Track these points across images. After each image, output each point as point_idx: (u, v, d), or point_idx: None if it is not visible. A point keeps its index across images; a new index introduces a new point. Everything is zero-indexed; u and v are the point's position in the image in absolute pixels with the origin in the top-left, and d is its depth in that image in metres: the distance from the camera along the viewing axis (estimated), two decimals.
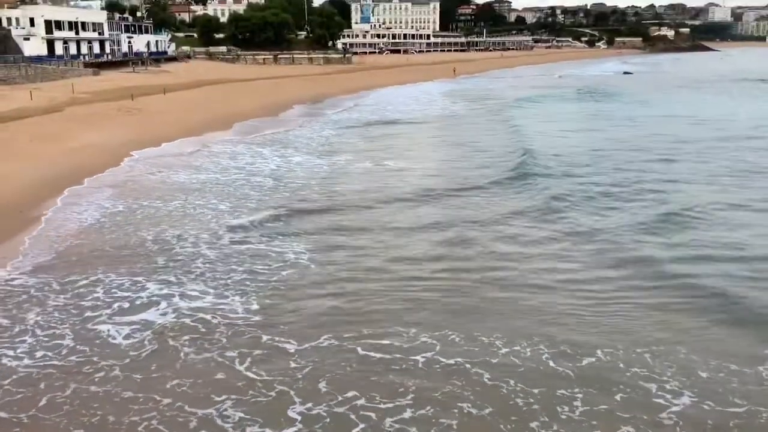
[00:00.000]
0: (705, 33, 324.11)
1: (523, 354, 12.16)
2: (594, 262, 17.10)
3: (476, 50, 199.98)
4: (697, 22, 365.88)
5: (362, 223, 20.87)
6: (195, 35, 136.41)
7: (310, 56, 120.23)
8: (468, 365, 11.74)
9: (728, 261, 17.08)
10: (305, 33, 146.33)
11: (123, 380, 11.33)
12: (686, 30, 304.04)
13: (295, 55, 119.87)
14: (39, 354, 12.21)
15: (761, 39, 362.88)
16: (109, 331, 13.19)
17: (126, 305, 14.43)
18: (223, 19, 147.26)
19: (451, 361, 11.89)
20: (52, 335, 12.93)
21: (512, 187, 25.37)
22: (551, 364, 11.79)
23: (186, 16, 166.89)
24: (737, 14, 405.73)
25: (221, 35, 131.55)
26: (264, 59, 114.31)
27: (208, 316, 13.83)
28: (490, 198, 23.80)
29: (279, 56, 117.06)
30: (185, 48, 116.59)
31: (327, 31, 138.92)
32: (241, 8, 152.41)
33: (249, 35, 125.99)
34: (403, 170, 28.91)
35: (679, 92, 72.31)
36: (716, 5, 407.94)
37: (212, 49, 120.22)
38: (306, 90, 68.20)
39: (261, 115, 47.33)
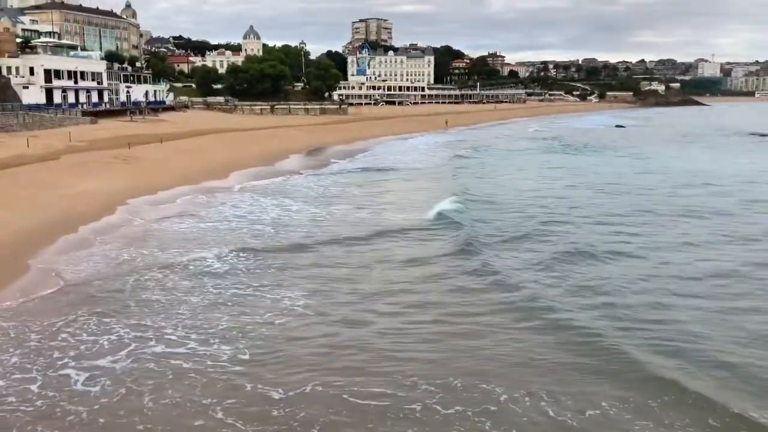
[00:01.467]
0: (695, 88, 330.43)
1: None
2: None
3: (470, 102, 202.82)
4: (687, 77, 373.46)
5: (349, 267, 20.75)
6: (193, 85, 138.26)
7: (307, 107, 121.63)
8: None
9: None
10: (302, 84, 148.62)
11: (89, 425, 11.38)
12: (677, 85, 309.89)
13: (291, 106, 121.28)
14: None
15: (750, 94, 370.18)
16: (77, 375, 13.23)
17: (98, 349, 14.51)
18: (222, 71, 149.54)
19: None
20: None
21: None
22: None
23: (185, 67, 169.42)
24: (726, 70, 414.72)
25: (219, 86, 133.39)
26: (261, 109, 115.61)
27: (186, 363, 13.60)
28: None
29: (276, 107, 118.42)
30: (183, 98, 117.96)
31: (323, 82, 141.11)
32: (239, 60, 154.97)
33: (246, 86, 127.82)
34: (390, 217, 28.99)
35: (669, 146, 73.11)
36: (706, 61, 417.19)
37: (210, 99, 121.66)
38: (302, 140, 68.71)
39: (258, 164, 47.51)
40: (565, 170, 49.35)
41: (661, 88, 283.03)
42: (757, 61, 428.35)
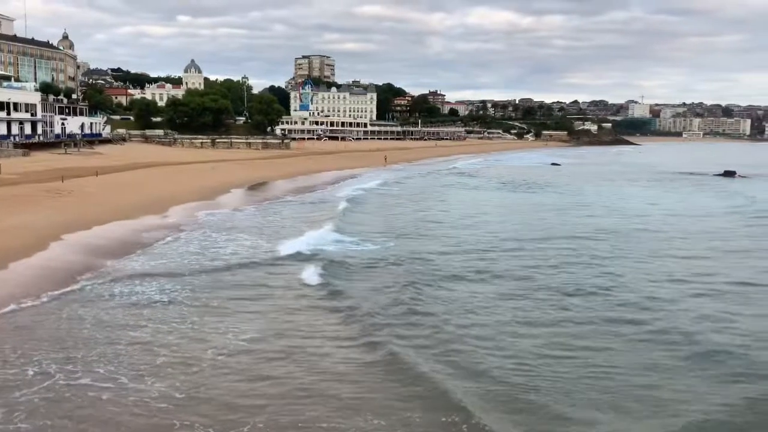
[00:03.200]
0: (626, 128, 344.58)
1: None
2: None
3: (412, 139, 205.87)
4: (618, 118, 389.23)
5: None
6: (132, 118, 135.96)
7: (249, 141, 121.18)
8: None
9: None
10: (244, 118, 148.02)
11: None
12: (608, 125, 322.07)
13: (233, 140, 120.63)
14: None
15: (677, 134, 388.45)
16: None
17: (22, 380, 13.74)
18: (161, 104, 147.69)
19: None
20: None
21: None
22: None
23: (123, 100, 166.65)
24: (655, 111, 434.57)
25: (159, 119, 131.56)
26: (201, 143, 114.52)
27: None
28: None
29: (217, 140, 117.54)
30: (121, 130, 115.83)
31: (266, 117, 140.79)
32: (180, 93, 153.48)
33: (187, 119, 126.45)
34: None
35: (599, 184, 75.93)
36: (636, 102, 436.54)
37: (148, 132, 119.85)
38: (244, 174, 68.31)
39: (198, 198, 46.94)
40: (496, 205, 50.76)
41: (593, 128, 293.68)
42: (684, 103, 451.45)
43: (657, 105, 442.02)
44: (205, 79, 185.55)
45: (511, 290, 24.08)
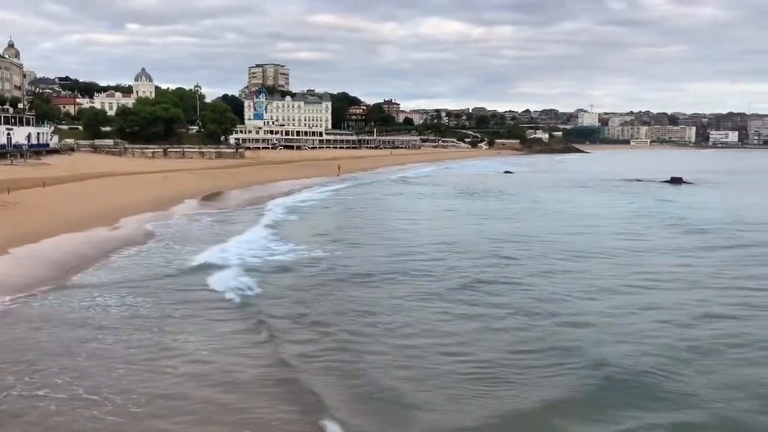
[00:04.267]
0: (576, 136, 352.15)
1: None
2: None
3: (367, 148, 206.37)
4: (568, 126, 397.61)
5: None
6: (80, 128, 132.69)
7: (202, 150, 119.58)
8: None
9: None
10: (197, 127, 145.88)
11: None
12: (559, 133, 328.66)
13: (186, 149, 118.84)
14: None
15: (625, 142, 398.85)
16: None
17: None
18: (111, 113, 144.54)
19: None
20: None
21: None
22: None
23: (71, 109, 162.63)
24: (604, 119, 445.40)
25: (108, 128, 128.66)
26: (153, 153, 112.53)
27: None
28: None
29: (169, 150, 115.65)
30: (69, 141, 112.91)
31: (219, 126, 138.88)
32: (130, 102, 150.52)
33: (138, 129, 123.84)
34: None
35: (553, 191, 77.39)
36: (585, 111, 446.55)
37: (98, 141, 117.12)
38: (198, 184, 67.43)
39: (151, 209, 46.14)
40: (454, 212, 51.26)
41: (545, 136, 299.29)
42: (631, 112, 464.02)
43: (606, 114, 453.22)
44: (156, 87, 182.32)
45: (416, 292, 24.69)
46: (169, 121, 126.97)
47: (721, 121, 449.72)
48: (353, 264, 29.57)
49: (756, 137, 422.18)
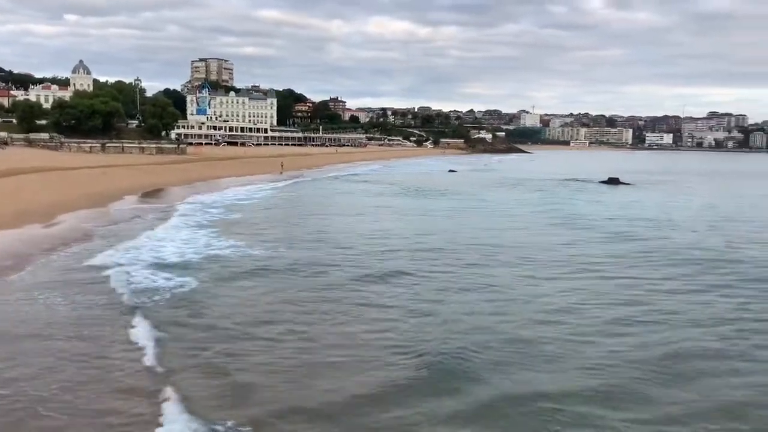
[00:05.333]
0: (518, 137, 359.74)
1: None
2: None
3: (313, 145, 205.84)
4: (511, 127, 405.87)
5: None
6: (14, 121, 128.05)
7: (142, 146, 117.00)
8: None
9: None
10: (137, 122, 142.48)
11: None
12: (502, 134, 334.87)
13: (125, 144, 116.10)
14: None
15: (566, 143, 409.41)
16: None
17: None
18: (47, 106, 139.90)
19: None
20: None
21: None
22: None
23: (5, 101, 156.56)
24: (545, 121, 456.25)
25: (44, 122, 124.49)
26: (91, 147, 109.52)
27: None
28: None
29: (107, 144, 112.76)
30: (2, 134, 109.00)
31: (160, 120, 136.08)
32: (67, 95, 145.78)
33: (75, 123, 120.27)
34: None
35: (496, 190, 78.81)
36: (527, 112, 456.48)
37: (33, 135, 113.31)
38: (137, 180, 65.93)
39: (88, 205, 44.84)
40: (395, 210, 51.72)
41: (488, 136, 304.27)
42: (571, 113, 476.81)
43: (547, 115, 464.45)
44: (95, 80, 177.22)
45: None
46: (108, 115, 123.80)
47: (656, 123, 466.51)
48: (284, 260, 29.49)
49: (689, 140, 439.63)
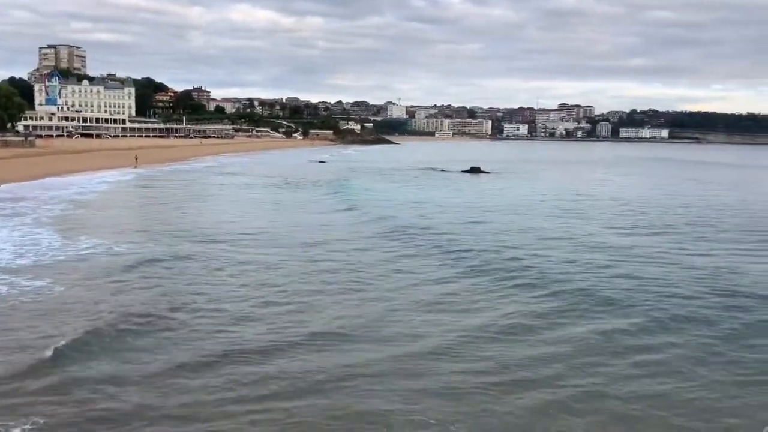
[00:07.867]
0: (385, 128, 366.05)
1: None
2: None
3: (176, 137, 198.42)
4: (379, 118, 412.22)
5: None
6: None
7: None
8: None
9: None
10: None
11: None
12: (370, 125, 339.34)
13: None
14: None
15: (431, 134, 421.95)
16: None
17: None
18: None
19: None
20: None
21: None
22: None
23: None
24: (411, 112, 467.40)
25: None
26: None
27: None
28: None
29: None
30: None
31: (5, 111, 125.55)
32: None
33: None
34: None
35: (373, 180, 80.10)
36: (394, 104, 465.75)
37: None
38: None
39: None
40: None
41: (357, 127, 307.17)
42: (435, 105, 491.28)
43: (412, 107, 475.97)
44: None
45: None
46: None
47: (513, 115, 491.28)
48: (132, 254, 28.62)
49: (543, 130, 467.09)
